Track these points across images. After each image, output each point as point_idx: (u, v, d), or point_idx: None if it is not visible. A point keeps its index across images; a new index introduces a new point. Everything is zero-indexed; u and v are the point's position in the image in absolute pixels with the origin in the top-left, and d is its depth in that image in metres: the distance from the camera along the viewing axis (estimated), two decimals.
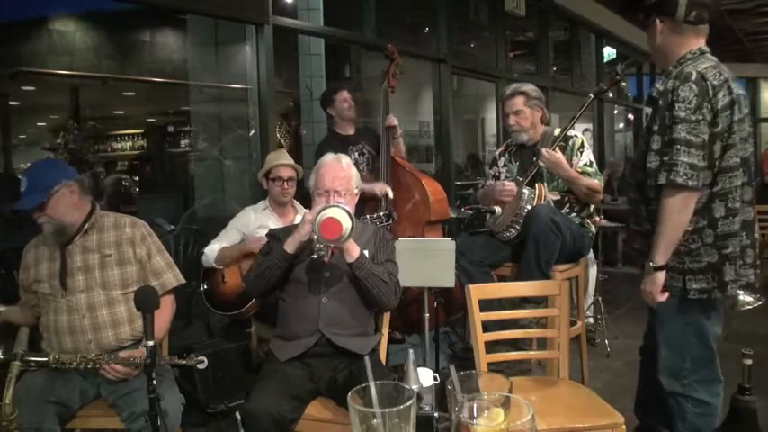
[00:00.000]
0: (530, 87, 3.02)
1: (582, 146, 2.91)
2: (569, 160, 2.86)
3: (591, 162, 2.90)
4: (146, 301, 1.54)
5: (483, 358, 2.00)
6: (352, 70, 8.29)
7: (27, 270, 2.06)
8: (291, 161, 3.03)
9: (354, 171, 2.17)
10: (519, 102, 2.97)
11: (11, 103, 7.68)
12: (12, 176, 6.50)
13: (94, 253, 2.03)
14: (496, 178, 3.13)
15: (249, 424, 1.76)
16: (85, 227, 2.03)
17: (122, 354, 1.92)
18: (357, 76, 8.05)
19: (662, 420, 2.07)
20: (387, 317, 2.22)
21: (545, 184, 2.88)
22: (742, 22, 9.20)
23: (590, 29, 8.40)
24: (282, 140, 8.24)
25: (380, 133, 3.49)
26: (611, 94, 9.27)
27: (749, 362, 2.39)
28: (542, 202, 2.80)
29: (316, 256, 1.95)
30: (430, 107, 6.63)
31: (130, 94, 9.35)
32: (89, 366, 1.85)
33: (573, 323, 2.63)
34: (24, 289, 2.10)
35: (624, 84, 2.53)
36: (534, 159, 2.91)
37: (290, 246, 1.98)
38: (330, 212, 1.85)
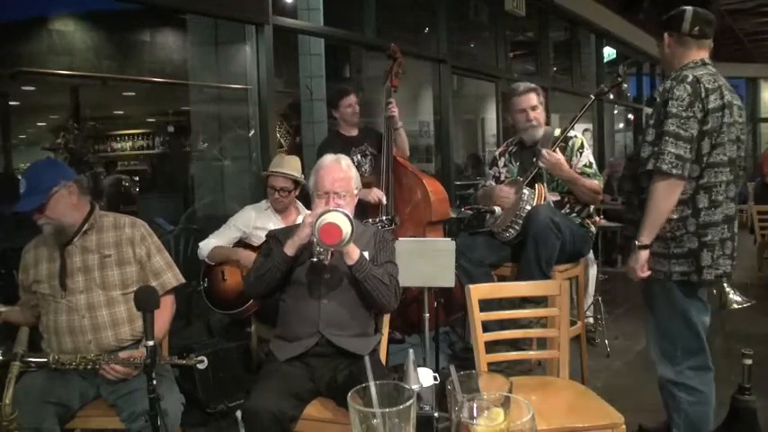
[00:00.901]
0: (536, 85, 3.05)
1: (582, 146, 2.91)
2: (569, 161, 2.86)
3: (591, 163, 2.90)
4: (146, 301, 1.54)
5: (483, 358, 2.00)
6: (352, 70, 8.30)
7: (27, 270, 2.06)
8: (289, 170, 2.98)
9: (354, 172, 2.16)
10: (534, 98, 2.97)
11: (11, 103, 7.69)
12: (12, 177, 6.50)
13: (94, 253, 2.03)
14: (497, 179, 3.13)
15: (249, 422, 1.76)
16: (85, 227, 2.03)
17: (122, 354, 1.92)
18: (357, 77, 8.05)
19: None
20: (387, 317, 2.22)
21: (545, 185, 2.88)
22: (742, 22, 9.21)
23: (590, 29, 8.40)
24: (282, 140, 8.24)
25: (383, 139, 3.48)
26: (611, 96, 9.28)
27: (749, 362, 2.39)
28: (542, 203, 2.80)
29: (316, 260, 1.95)
30: (430, 107, 6.63)
31: (130, 94, 9.36)
32: (89, 367, 1.85)
33: (573, 323, 2.63)
34: (24, 289, 2.10)
35: (625, 85, 2.57)
36: (534, 160, 2.90)
37: (290, 248, 1.98)
38: (330, 217, 1.85)
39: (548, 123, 3.10)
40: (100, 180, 7.80)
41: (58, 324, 1.98)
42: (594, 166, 2.93)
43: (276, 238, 2.12)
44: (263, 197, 3.18)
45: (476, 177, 8.04)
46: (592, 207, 3.04)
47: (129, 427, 1.85)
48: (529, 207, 2.78)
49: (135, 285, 2.02)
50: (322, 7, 4.99)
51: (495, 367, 2.34)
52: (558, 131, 2.95)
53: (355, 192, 2.14)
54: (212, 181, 4.73)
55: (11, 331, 2.09)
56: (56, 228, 1.97)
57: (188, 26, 4.85)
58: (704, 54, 2.15)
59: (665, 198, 2.00)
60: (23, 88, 7.89)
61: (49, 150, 8.96)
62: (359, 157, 3.53)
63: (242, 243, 3.01)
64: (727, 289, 2.21)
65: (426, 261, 2.65)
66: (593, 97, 2.98)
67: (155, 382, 1.51)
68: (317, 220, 1.86)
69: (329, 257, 1.95)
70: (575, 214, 2.92)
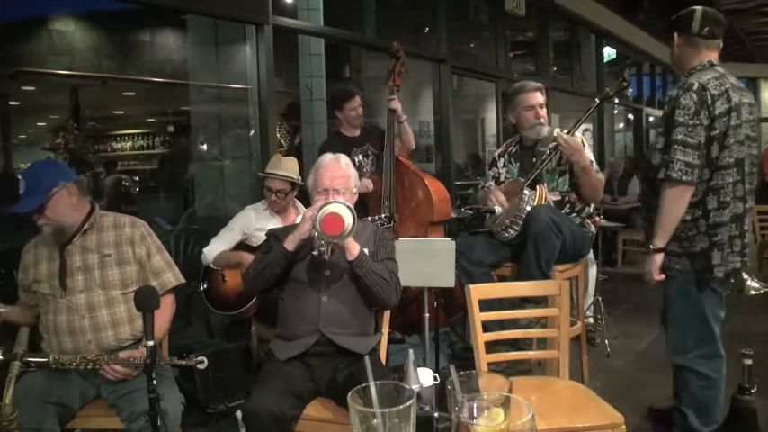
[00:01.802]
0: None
1: (582, 144, 2.91)
2: (569, 160, 2.86)
3: (592, 161, 2.89)
4: (146, 301, 1.54)
5: (483, 358, 2.00)
6: (352, 70, 8.29)
7: (26, 270, 2.06)
8: (286, 172, 2.96)
9: (353, 171, 2.17)
10: (541, 96, 2.98)
11: (11, 103, 7.68)
12: (12, 177, 6.50)
13: (94, 253, 2.03)
14: (496, 179, 3.12)
15: (250, 422, 1.76)
16: (84, 227, 2.03)
17: (122, 354, 1.92)
18: (357, 77, 8.04)
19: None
20: (387, 316, 2.22)
21: (545, 185, 2.88)
22: (742, 22, 9.21)
23: (590, 29, 8.40)
24: (282, 141, 8.24)
25: (386, 136, 3.47)
26: (616, 100, 9.28)
27: (749, 362, 2.39)
28: (543, 203, 2.80)
29: (316, 253, 1.94)
30: (430, 107, 6.63)
31: (130, 94, 9.35)
32: (89, 367, 1.85)
33: (573, 323, 2.63)
34: (24, 289, 2.10)
35: (631, 89, 2.62)
36: (534, 160, 2.90)
37: (290, 243, 1.98)
38: (332, 208, 1.85)
39: (548, 123, 3.10)
40: (100, 180, 7.80)
41: (58, 324, 1.98)
42: (595, 164, 2.92)
43: (276, 236, 2.13)
44: (262, 197, 3.18)
45: (476, 177, 8.04)
46: (592, 207, 3.04)
47: (129, 427, 1.85)
48: (529, 207, 2.78)
49: (135, 285, 2.02)
50: (322, 7, 4.99)
51: (494, 367, 2.34)
52: (557, 131, 2.95)
53: (354, 190, 2.15)
54: (212, 181, 4.73)
55: (11, 331, 2.09)
56: (55, 228, 1.97)
57: (188, 26, 4.84)
58: (713, 55, 2.20)
59: (675, 204, 2.10)
60: (23, 88, 7.88)
61: (48, 150, 8.95)
62: (360, 157, 3.52)
63: (243, 244, 3.01)
64: (745, 276, 2.27)
65: (426, 261, 2.65)
66: (597, 101, 2.97)
67: (155, 382, 1.51)
68: (318, 212, 1.85)
69: (329, 252, 1.95)
70: (575, 214, 2.92)
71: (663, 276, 2.20)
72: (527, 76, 7.52)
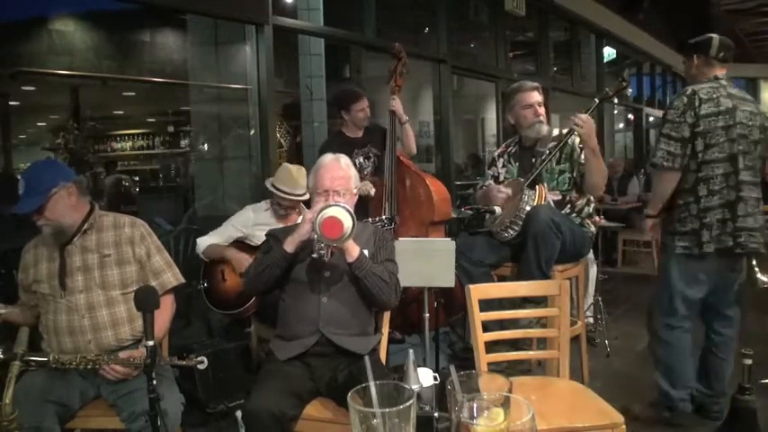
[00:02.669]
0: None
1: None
2: (570, 157, 2.88)
3: None
4: (146, 301, 1.54)
5: (483, 358, 2.00)
6: (352, 70, 8.29)
7: (26, 270, 2.06)
8: (299, 189, 2.94)
9: (353, 171, 2.16)
10: (538, 94, 2.99)
11: (11, 103, 7.68)
12: (12, 177, 6.50)
13: (93, 253, 2.03)
14: (496, 179, 3.13)
15: (250, 422, 1.76)
16: (84, 227, 2.03)
17: (122, 354, 1.92)
18: (357, 77, 8.05)
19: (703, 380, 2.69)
20: (387, 317, 2.22)
21: (545, 184, 2.88)
22: (742, 22, 9.22)
23: (590, 29, 8.40)
24: (282, 140, 8.25)
25: (387, 136, 3.47)
26: (616, 100, 9.28)
27: (749, 362, 2.39)
28: (543, 203, 2.80)
29: (316, 256, 1.94)
30: (430, 107, 6.63)
31: (130, 94, 9.36)
32: (89, 367, 1.85)
33: (573, 323, 2.63)
34: (24, 289, 2.10)
35: (630, 90, 2.66)
36: (533, 160, 2.90)
37: (289, 245, 1.98)
38: (331, 211, 1.85)
39: (548, 123, 3.10)
40: (100, 180, 7.79)
41: (58, 324, 1.98)
42: None
43: (276, 236, 2.12)
44: (262, 197, 3.18)
45: (476, 177, 8.04)
46: (592, 207, 3.03)
47: (129, 427, 1.84)
48: (529, 207, 2.78)
49: (135, 285, 2.02)
50: (322, 7, 4.99)
51: (494, 367, 2.33)
52: (556, 131, 2.95)
53: (354, 191, 2.14)
54: (212, 181, 4.73)
55: (11, 331, 2.09)
56: (55, 228, 1.97)
57: (188, 26, 4.84)
58: (723, 71, 2.57)
59: (660, 184, 2.55)
60: (23, 88, 7.89)
61: (49, 150, 8.95)
62: (361, 159, 3.52)
63: (240, 244, 3.01)
64: (756, 269, 2.53)
65: (426, 261, 2.65)
66: (597, 101, 2.96)
67: (155, 382, 1.51)
68: (317, 215, 1.85)
69: (329, 254, 1.95)
70: (575, 214, 2.92)
71: (653, 234, 2.66)
72: (527, 76, 7.52)
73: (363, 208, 3.22)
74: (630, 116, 11.60)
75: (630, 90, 10.96)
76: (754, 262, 2.54)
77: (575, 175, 2.91)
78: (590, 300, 3.87)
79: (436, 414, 1.35)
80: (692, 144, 2.42)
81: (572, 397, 1.99)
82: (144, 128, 10.58)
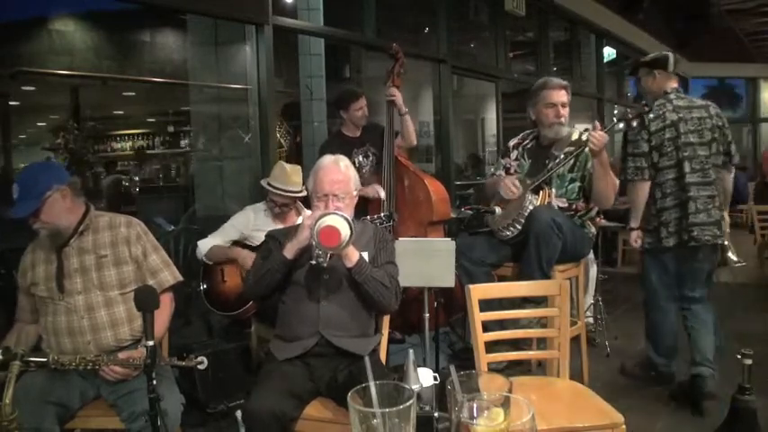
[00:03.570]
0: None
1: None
2: (584, 167, 2.86)
3: None
4: (146, 300, 1.54)
5: (483, 358, 2.00)
6: (352, 70, 8.29)
7: (25, 273, 2.06)
8: (292, 186, 2.94)
9: (353, 173, 2.15)
10: (565, 94, 2.92)
11: (11, 103, 7.67)
12: (11, 178, 6.50)
13: (90, 254, 2.02)
14: (507, 170, 3.09)
15: (250, 423, 1.76)
16: (80, 228, 2.03)
17: (121, 354, 1.92)
18: (357, 77, 8.05)
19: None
20: (386, 318, 2.22)
21: (553, 190, 2.86)
22: (742, 22, 9.21)
23: (590, 29, 8.40)
24: (282, 140, 8.24)
25: (384, 131, 3.46)
26: (618, 111, 9.29)
27: (749, 362, 2.39)
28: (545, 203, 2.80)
29: (314, 263, 1.94)
30: (430, 107, 6.62)
31: (130, 94, 9.35)
32: (88, 367, 1.85)
33: (573, 323, 2.63)
34: (23, 292, 2.09)
35: (652, 115, 2.72)
36: (546, 162, 2.85)
37: (289, 252, 1.98)
38: (329, 220, 1.85)
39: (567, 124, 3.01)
40: (100, 180, 7.79)
41: (57, 325, 1.97)
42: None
43: (275, 238, 2.12)
44: (262, 198, 3.17)
45: (476, 177, 8.04)
46: (594, 211, 3.03)
47: (130, 427, 1.84)
48: (531, 208, 2.77)
49: (133, 285, 2.02)
50: (322, 7, 4.99)
51: (495, 367, 2.33)
52: (575, 135, 2.90)
53: (354, 193, 2.13)
54: (212, 181, 4.73)
55: (11, 331, 2.09)
56: (51, 231, 1.97)
57: (188, 26, 4.83)
58: (675, 83, 2.95)
59: (635, 196, 2.87)
60: (23, 88, 7.88)
61: (48, 150, 8.94)
62: (360, 158, 3.52)
63: (240, 244, 3.01)
64: (729, 251, 2.92)
65: (426, 261, 2.65)
66: (615, 120, 2.92)
67: (155, 382, 1.51)
68: (315, 223, 1.85)
69: (328, 260, 1.95)
70: (576, 217, 2.92)
71: (640, 244, 2.95)
72: (527, 76, 7.53)
73: (362, 206, 3.22)
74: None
75: (630, 93, 10.97)
76: (726, 243, 2.92)
77: (585, 184, 2.88)
78: (590, 300, 3.87)
79: (436, 414, 1.35)
80: (651, 156, 2.80)
81: (572, 397, 1.99)
82: (144, 128, 10.57)
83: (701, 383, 2.79)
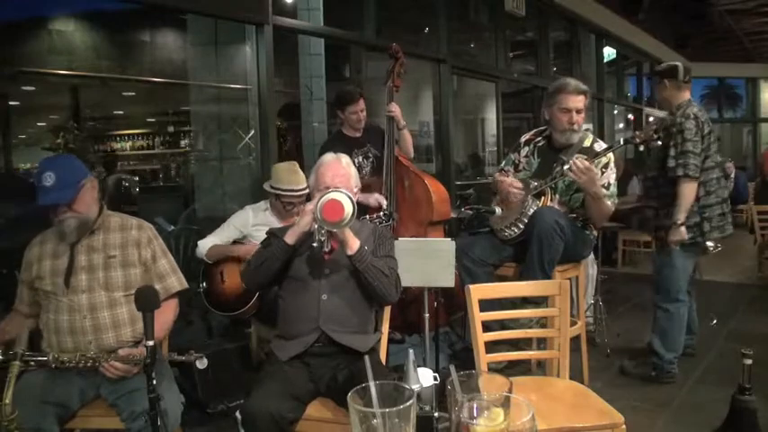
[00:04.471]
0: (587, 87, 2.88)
1: (606, 165, 2.79)
2: (579, 185, 2.76)
3: (609, 184, 2.78)
4: (146, 301, 1.54)
5: (483, 358, 2.00)
6: (352, 70, 8.27)
7: (29, 266, 2.05)
8: (299, 185, 2.94)
9: (353, 171, 2.18)
10: (582, 101, 2.80)
11: (11, 103, 7.67)
12: (12, 176, 6.48)
13: (100, 253, 2.03)
14: (515, 166, 3.07)
15: (249, 424, 1.76)
16: (93, 227, 2.03)
17: (121, 351, 1.92)
18: (357, 77, 8.03)
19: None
20: (387, 315, 2.22)
21: (557, 196, 2.84)
22: (742, 22, 9.21)
23: (590, 29, 8.40)
24: (282, 141, 8.22)
25: (386, 132, 3.46)
26: (611, 95, 9.28)
27: (749, 362, 2.39)
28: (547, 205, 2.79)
29: (316, 245, 1.93)
30: (430, 107, 6.63)
31: (130, 94, 9.34)
32: (88, 365, 1.85)
33: (573, 323, 2.63)
34: (25, 285, 2.09)
35: (660, 143, 2.79)
36: (554, 165, 2.78)
37: (290, 237, 1.98)
38: (333, 195, 1.86)
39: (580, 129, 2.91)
40: (101, 180, 7.77)
41: (59, 323, 1.98)
42: (613, 188, 2.80)
43: (276, 235, 2.13)
44: (262, 198, 3.17)
45: (476, 177, 8.03)
46: None
47: (130, 426, 1.84)
48: (531, 210, 2.77)
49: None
50: (322, 7, 4.99)
51: (495, 366, 2.33)
52: (588, 141, 2.82)
53: (355, 190, 2.15)
54: (212, 181, 4.73)
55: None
56: (80, 221, 1.97)
57: (188, 26, 4.84)
58: (688, 94, 3.17)
59: (688, 192, 2.96)
60: (23, 88, 7.87)
61: (48, 150, 8.93)
62: (360, 158, 3.52)
63: (240, 244, 3.01)
64: (708, 242, 3.13)
65: (426, 261, 2.65)
66: (621, 142, 2.82)
67: (155, 381, 1.51)
68: (318, 200, 1.86)
69: (329, 244, 1.95)
70: (579, 220, 2.91)
71: (687, 237, 3.00)
72: (527, 76, 7.53)
73: (362, 208, 3.22)
74: (630, 116, 11.59)
75: (630, 93, 10.97)
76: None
77: None
78: (590, 300, 3.87)
79: (436, 414, 1.35)
80: (701, 157, 2.98)
81: (572, 397, 1.99)
82: (144, 128, 10.56)
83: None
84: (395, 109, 3.38)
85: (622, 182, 6.93)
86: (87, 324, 1.97)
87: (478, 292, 2.02)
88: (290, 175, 2.98)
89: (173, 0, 3.59)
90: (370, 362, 1.19)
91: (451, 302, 3.25)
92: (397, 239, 2.50)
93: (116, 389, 1.92)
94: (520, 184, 2.87)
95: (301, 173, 3.01)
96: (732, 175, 7.24)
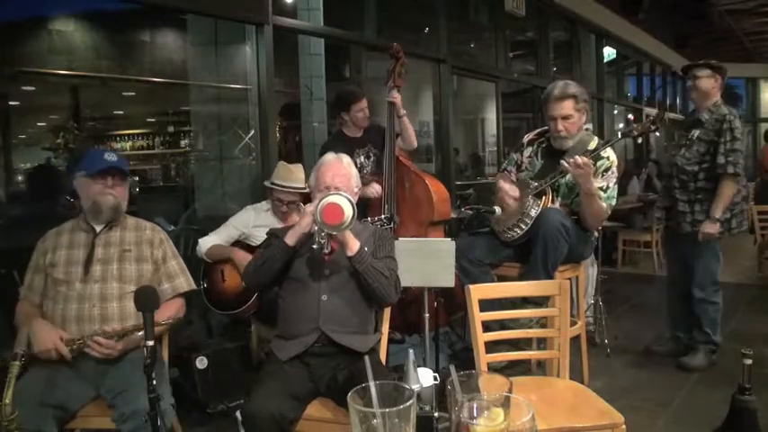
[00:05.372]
0: (578, 89, 2.78)
1: (608, 169, 2.76)
2: (575, 180, 2.77)
3: (607, 187, 2.75)
4: (145, 301, 1.55)
5: (483, 358, 2.00)
6: (352, 70, 8.27)
7: (44, 254, 2.11)
8: (297, 183, 2.95)
9: (354, 171, 2.18)
10: (569, 105, 2.72)
11: (11, 103, 7.67)
12: (49, 172, 6.51)
13: (116, 247, 2.12)
14: (518, 166, 3.06)
15: (249, 424, 1.76)
16: (117, 218, 2.14)
17: (106, 328, 1.97)
18: (357, 77, 8.03)
19: (688, 328, 3.46)
20: (387, 316, 2.22)
21: (559, 198, 2.84)
22: (742, 22, 9.21)
23: (590, 29, 8.40)
24: (282, 141, 8.22)
25: (386, 132, 3.46)
26: (611, 95, 9.28)
27: (749, 362, 2.39)
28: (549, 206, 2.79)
29: (316, 246, 1.93)
30: (430, 107, 6.63)
31: (130, 94, 9.34)
32: (74, 347, 1.90)
33: (573, 323, 2.63)
34: (38, 271, 2.10)
35: (658, 134, 2.84)
36: (558, 166, 2.74)
37: (290, 238, 1.99)
38: (332, 198, 1.87)
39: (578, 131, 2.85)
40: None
41: (66, 312, 2.00)
42: (611, 191, 2.77)
43: (276, 236, 2.13)
44: (262, 197, 3.17)
45: (476, 177, 8.03)
46: None
47: (120, 427, 1.82)
48: (533, 211, 2.76)
49: (148, 283, 2.04)
50: (322, 7, 4.99)
51: (494, 367, 2.33)
52: (593, 143, 2.75)
53: (356, 190, 2.15)
54: (212, 181, 4.73)
55: (11, 331, 2.09)
56: (117, 203, 2.11)
57: (188, 26, 4.84)
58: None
59: (732, 190, 3.11)
60: (23, 88, 7.87)
61: (48, 150, 8.94)
62: (362, 158, 3.52)
63: (240, 244, 3.01)
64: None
65: (426, 261, 2.65)
66: (619, 135, 2.85)
67: (155, 381, 1.51)
68: (318, 203, 1.87)
69: (329, 246, 1.95)
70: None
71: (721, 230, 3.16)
72: (527, 76, 7.53)
73: (362, 209, 3.22)
74: (630, 116, 11.60)
75: (630, 93, 10.97)
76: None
77: None
78: (590, 300, 3.87)
79: (436, 414, 1.35)
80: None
81: (572, 397, 1.99)
82: (144, 128, 10.56)
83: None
84: (396, 95, 3.37)
85: (622, 181, 6.93)
86: (96, 313, 2.01)
87: (478, 292, 2.02)
88: (288, 173, 3.00)
89: (173, 0, 3.59)
90: (370, 362, 1.19)
91: (451, 302, 3.24)
92: (397, 239, 2.50)
93: (113, 387, 1.92)
94: (517, 194, 2.86)
95: (301, 174, 3.01)
96: None
